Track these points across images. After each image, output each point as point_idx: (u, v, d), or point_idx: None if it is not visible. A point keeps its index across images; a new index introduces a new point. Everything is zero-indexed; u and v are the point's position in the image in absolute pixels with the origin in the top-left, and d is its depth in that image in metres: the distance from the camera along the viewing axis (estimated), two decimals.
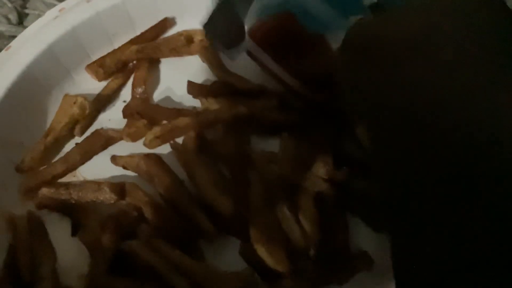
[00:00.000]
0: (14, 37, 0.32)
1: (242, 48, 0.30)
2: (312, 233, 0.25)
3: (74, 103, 0.30)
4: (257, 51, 0.30)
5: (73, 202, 0.27)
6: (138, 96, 0.31)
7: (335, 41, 0.29)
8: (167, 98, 0.32)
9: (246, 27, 0.30)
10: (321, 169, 0.27)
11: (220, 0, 0.28)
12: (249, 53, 0.30)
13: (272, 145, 0.29)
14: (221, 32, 0.29)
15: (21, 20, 0.37)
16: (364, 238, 0.27)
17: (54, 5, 0.34)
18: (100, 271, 0.24)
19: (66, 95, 0.31)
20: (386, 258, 0.19)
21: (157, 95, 0.32)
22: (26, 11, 0.37)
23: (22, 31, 0.32)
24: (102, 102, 0.31)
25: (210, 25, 0.28)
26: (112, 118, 0.31)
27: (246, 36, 0.30)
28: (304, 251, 0.25)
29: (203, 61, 0.33)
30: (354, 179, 0.27)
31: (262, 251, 0.24)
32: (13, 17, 0.36)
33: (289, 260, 0.25)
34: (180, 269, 0.24)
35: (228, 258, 0.26)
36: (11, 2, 0.37)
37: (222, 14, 0.28)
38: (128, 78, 0.32)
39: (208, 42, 0.33)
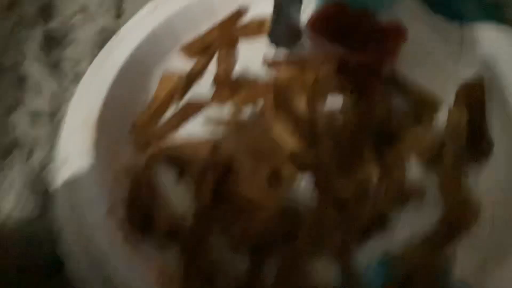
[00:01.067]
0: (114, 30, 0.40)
1: (301, 42, 0.36)
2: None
3: (172, 77, 0.38)
4: (315, 39, 0.37)
5: (177, 155, 0.35)
6: (222, 71, 0.38)
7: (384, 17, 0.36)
8: (244, 73, 0.39)
9: (305, 20, 0.37)
10: None
11: (274, 11, 0.35)
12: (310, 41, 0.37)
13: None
14: (281, 39, 0.36)
15: (120, 15, 0.44)
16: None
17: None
18: (204, 203, 0.31)
19: (164, 72, 0.38)
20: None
21: (236, 71, 0.39)
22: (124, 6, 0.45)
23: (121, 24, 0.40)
24: (193, 76, 0.38)
25: (271, 36, 0.35)
26: (200, 90, 0.38)
27: (304, 30, 0.36)
28: None
29: None
30: None
31: None
32: (113, 12, 0.44)
33: None
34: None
35: None
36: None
37: (278, 23, 0.35)
38: (212, 57, 0.39)
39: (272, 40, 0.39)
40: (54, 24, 0.43)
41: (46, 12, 0.44)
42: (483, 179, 0.32)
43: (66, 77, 0.40)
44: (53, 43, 0.42)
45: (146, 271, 0.29)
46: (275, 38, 0.35)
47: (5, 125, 0.38)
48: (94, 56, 0.38)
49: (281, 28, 0.35)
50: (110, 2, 0.44)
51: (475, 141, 0.33)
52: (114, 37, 0.39)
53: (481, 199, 0.31)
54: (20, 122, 0.38)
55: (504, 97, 0.33)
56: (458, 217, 0.30)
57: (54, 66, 0.41)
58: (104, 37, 0.42)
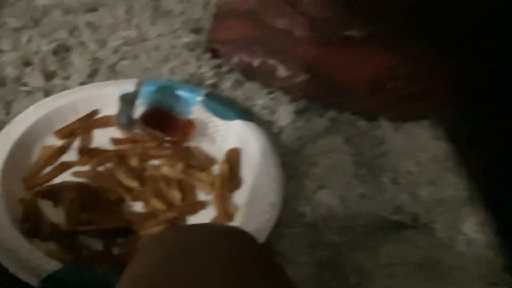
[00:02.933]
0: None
1: (135, 126, 0.61)
2: None
3: (49, 149, 0.59)
4: (143, 126, 0.62)
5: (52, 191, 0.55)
6: (83, 146, 0.61)
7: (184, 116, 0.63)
8: (98, 146, 0.61)
9: (136, 115, 0.62)
10: None
11: (119, 108, 0.61)
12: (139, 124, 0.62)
13: None
14: (123, 121, 0.61)
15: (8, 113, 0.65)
16: None
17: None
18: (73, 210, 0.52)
19: (44, 146, 0.60)
20: None
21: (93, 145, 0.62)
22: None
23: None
24: (63, 149, 0.60)
25: (117, 118, 0.60)
26: (69, 158, 0.60)
27: (136, 120, 0.62)
28: None
29: (117, 129, 0.63)
30: None
31: None
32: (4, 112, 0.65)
33: None
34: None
35: None
36: None
37: (121, 114, 0.61)
38: (76, 137, 0.62)
39: (118, 123, 0.63)
40: None
41: None
42: (236, 198, 0.58)
43: None
44: None
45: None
46: (118, 121, 0.60)
47: None
48: None
49: (123, 118, 0.60)
50: (1, 105, 0.65)
51: (233, 180, 0.59)
52: (7, 125, 0.60)
53: (235, 209, 0.57)
54: None
55: (249, 157, 0.61)
56: (223, 216, 0.55)
57: None
58: None
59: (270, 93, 0.69)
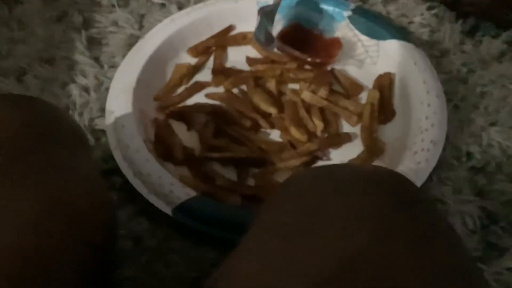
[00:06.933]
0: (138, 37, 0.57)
1: (274, 45, 0.54)
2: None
3: (183, 67, 0.55)
4: (282, 45, 0.55)
5: (185, 114, 0.51)
6: (217, 64, 0.55)
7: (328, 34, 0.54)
8: (233, 66, 0.56)
9: (275, 33, 0.55)
10: None
11: (258, 22, 0.53)
12: (278, 42, 0.55)
13: None
14: (261, 38, 0.54)
15: (141, 28, 0.61)
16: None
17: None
18: (207, 135, 0.48)
19: (177, 64, 0.55)
20: None
21: (227, 65, 0.56)
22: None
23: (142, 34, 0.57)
24: (197, 67, 0.55)
25: (256, 35, 0.53)
26: (202, 77, 0.55)
27: (275, 38, 0.54)
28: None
29: (253, 47, 0.57)
30: None
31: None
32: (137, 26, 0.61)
33: None
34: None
35: None
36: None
37: (260, 30, 0.53)
38: (210, 56, 0.57)
39: (256, 40, 0.57)
40: (94, 31, 0.59)
41: (87, 23, 0.60)
42: (386, 133, 0.50)
43: (105, 65, 0.56)
44: (94, 43, 0.58)
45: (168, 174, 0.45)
46: (257, 37, 0.53)
47: (61, 95, 0.54)
48: (124, 53, 0.55)
49: (261, 33, 0.53)
50: (134, 19, 0.61)
51: (383, 111, 0.51)
52: (141, 40, 0.56)
53: (384, 143, 0.49)
54: (72, 93, 0.54)
55: (404, 85, 0.51)
56: (371, 151, 0.48)
57: (95, 58, 0.57)
58: (130, 42, 0.58)
59: (431, 8, 0.57)
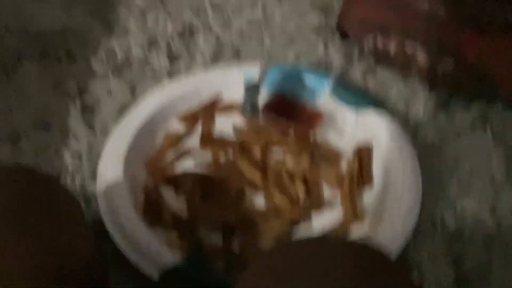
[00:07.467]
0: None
1: (259, 116, 0.58)
2: None
3: (172, 134, 0.57)
4: (267, 115, 0.58)
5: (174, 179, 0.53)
6: (205, 131, 0.58)
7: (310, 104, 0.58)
8: (220, 134, 0.59)
9: (261, 104, 0.58)
10: None
11: (244, 96, 0.57)
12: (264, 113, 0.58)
13: None
14: (248, 110, 0.57)
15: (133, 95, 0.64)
16: None
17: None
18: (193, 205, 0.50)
19: (166, 133, 0.58)
20: None
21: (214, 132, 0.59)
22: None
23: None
24: (186, 134, 0.58)
25: (243, 107, 0.57)
26: (191, 142, 0.58)
27: (260, 108, 0.58)
28: None
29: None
30: None
31: None
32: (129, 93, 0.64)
33: None
34: None
35: None
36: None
37: (246, 103, 0.57)
38: (199, 122, 0.60)
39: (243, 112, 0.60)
40: (88, 98, 0.62)
41: (82, 91, 0.63)
42: (365, 199, 0.52)
43: (97, 131, 0.59)
44: (88, 109, 0.61)
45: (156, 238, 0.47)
46: (244, 109, 0.57)
47: (54, 160, 0.56)
48: (116, 119, 0.58)
49: (247, 106, 0.57)
50: (124, 88, 0.64)
51: (362, 180, 0.54)
52: (132, 108, 0.59)
53: (364, 208, 0.51)
54: (65, 158, 0.56)
55: (382, 153, 0.54)
56: (351, 219, 0.50)
57: (89, 125, 0.59)
58: (122, 109, 0.61)
59: (407, 81, 0.61)
